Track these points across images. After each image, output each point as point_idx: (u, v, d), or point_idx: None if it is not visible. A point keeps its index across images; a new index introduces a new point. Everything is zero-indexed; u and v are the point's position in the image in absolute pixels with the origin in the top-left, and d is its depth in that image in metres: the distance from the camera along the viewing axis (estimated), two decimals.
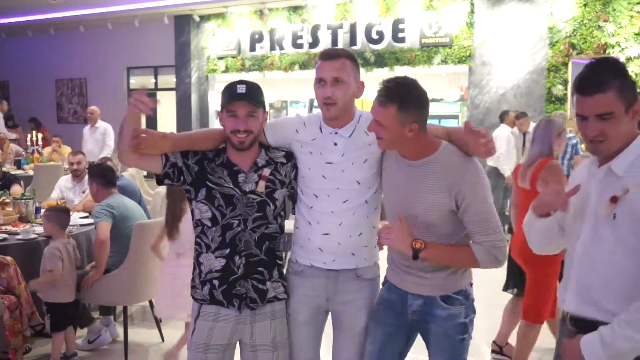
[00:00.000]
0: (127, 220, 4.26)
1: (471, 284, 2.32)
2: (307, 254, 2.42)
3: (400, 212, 2.25)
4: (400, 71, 11.28)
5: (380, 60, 11.30)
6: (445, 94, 12.17)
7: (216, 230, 2.32)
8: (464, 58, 10.70)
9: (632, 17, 9.47)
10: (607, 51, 9.51)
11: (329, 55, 2.29)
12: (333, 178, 2.33)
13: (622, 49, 9.52)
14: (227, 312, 2.33)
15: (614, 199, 1.67)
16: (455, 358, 2.26)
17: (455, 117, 11.26)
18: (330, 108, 2.29)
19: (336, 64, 2.26)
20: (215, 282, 2.32)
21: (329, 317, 2.53)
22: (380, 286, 2.50)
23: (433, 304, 2.25)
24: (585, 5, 9.77)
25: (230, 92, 2.30)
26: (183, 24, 13.17)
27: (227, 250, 2.31)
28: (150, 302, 4.51)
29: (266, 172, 2.36)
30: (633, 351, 1.64)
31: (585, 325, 1.76)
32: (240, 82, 2.33)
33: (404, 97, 2.10)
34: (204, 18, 13.11)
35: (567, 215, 1.89)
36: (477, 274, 2.34)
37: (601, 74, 1.68)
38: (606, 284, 1.73)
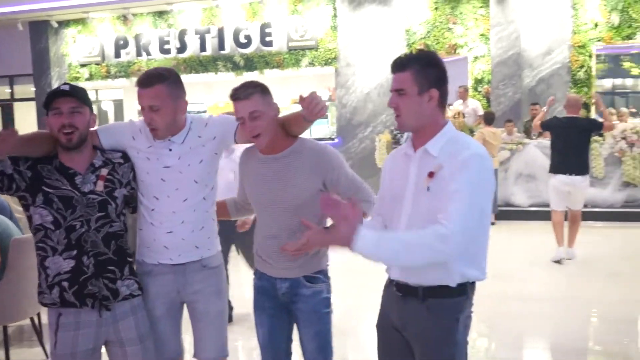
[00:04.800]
0: (4, 237, 4.08)
1: (328, 265, 2.59)
2: (153, 253, 2.51)
3: (274, 200, 2.48)
4: (270, 74, 11.56)
5: (250, 64, 11.49)
6: None
7: (60, 232, 2.31)
8: (330, 60, 11.17)
9: (476, 19, 10.41)
10: (457, 51, 10.38)
11: (142, 84, 2.37)
12: (172, 180, 2.45)
13: (470, 49, 10.44)
14: (87, 318, 2.35)
15: (431, 174, 1.97)
16: (322, 329, 2.52)
17: (325, 117, 11.67)
18: (154, 132, 2.43)
19: (151, 92, 2.35)
20: (65, 284, 2.32)
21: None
22: (226, 272, 2.75)
23: (299, 285, 2.47)
24: (436, 9, 10.59)
25: (53, 92, 2.32)
26: (40, 31, 12.52)
27: (75, 252, 2.32)
28: (32, 319, 4.33)
29: (104, 172, 2.39)
30: (390, 261, 1.97)
31: (410, 291, 2.04)
32: (64, 83, 2.37)
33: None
34: (63, 24, 12.56)
35: (385, 200, 2.21)
36: None
37: (407, 58, 2.03)
38: None
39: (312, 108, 2.32)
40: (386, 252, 1.88)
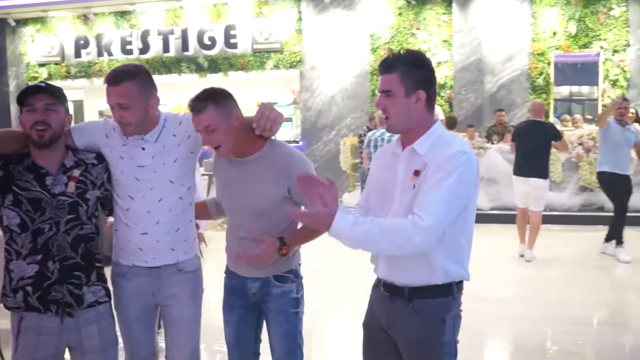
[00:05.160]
0: None
1: (299, 264, 2.58)
2: (128, 254, 2.48)
3: (237, 204, 2.46)
4: (235, 76, 11.51)
5: (214, 65, 11.42)
6: (279, 98, 12.58)
7: (26, 236, 2.25)
8: (294, 63, 11.18)
9: (439, 25, 10.57)
10: None
11: (111, 81, 2.31)
12: (146, 179, 2.41)
13: (433, 54, 10.59)
14: (49, 324, 2.30)
15: (417, 173, 1.98)
16: (291, 329, 2.51)
17: (289, 119, 11.68)
18: (125, 128, 2.36)
19: (119, 89, 2.29)
20: (29, 289, 2.27)
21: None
22: (203, 277, 2.68)
23: (269, 284, 2.46)
24: (400, 14, 10.71)
25: (28, 88, 2.27)
26: None
27: (40, 256, 2.26)
28: None
29: (76, 172, 2.33)
30: (364, 244, 1.91)
31: (397, 291, 2.06)
32: (41, 81, 2.32)
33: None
34: (21, 22, 12.25)
35: (371, 195, 2.21)
36: None
37: (394, 59, 2.02)
38: None
39: (262, 124, 2.32)
40: (360, 234, 1.86)
